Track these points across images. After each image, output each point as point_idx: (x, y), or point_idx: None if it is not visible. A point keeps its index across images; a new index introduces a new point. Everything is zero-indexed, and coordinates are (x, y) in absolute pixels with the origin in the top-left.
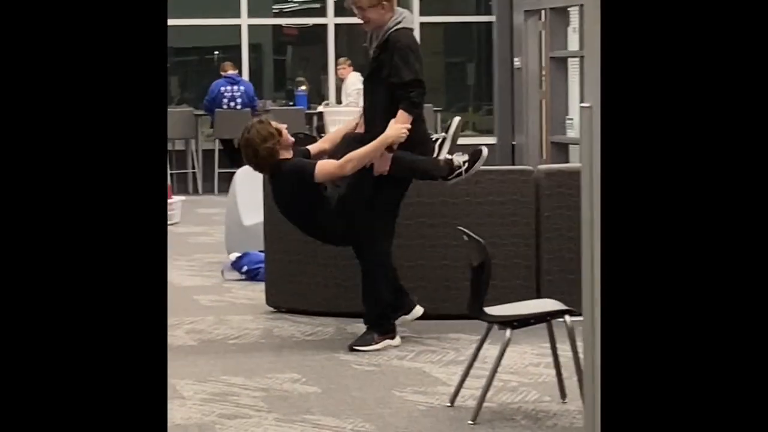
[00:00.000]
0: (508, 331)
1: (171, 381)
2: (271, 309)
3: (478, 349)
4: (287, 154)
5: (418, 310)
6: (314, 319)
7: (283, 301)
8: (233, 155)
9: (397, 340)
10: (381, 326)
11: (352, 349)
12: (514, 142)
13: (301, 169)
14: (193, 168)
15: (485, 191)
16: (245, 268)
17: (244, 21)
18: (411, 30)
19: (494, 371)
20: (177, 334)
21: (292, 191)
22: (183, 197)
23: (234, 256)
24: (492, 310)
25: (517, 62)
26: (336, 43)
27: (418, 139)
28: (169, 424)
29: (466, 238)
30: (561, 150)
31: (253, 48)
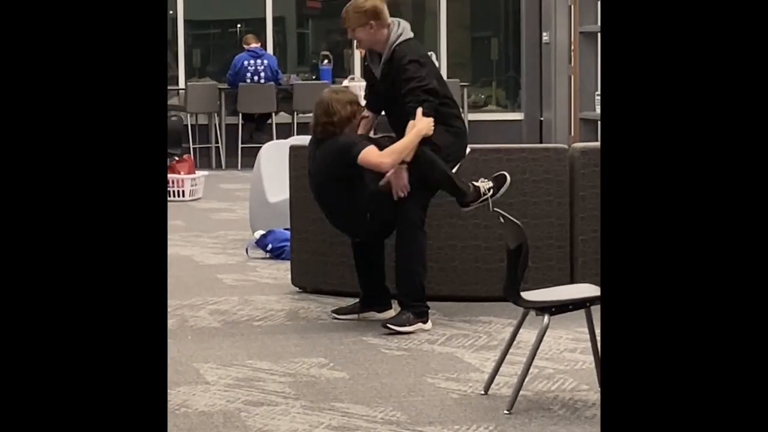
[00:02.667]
0: (546, 318)
1: (194, 365)
2: (297, 289)
3: (514, 335)
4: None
5: (390, 313)
6: (340, 300)
7: (309, 281)
8: (258, 125)
9: (428, 325)
10: (417, 308)
11: (385, 326)
12: (541, 118)
13: (350, 145)
14: (216, 143)
15: (517, 169)
16: (270, 246)
17: None
18: (413, 40)
19: (531, 359)
20: (201, 315)
21: (330, 164)
22: (206, 172)
23: (259, 233)
24: (529, 296)
25: (545, 37)
26: None
27: (443, 144)
28: (192, 411)
29: (501, 220)
30: (590, 126)
31: (276, 21)
